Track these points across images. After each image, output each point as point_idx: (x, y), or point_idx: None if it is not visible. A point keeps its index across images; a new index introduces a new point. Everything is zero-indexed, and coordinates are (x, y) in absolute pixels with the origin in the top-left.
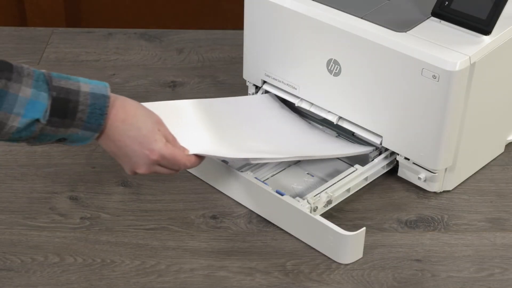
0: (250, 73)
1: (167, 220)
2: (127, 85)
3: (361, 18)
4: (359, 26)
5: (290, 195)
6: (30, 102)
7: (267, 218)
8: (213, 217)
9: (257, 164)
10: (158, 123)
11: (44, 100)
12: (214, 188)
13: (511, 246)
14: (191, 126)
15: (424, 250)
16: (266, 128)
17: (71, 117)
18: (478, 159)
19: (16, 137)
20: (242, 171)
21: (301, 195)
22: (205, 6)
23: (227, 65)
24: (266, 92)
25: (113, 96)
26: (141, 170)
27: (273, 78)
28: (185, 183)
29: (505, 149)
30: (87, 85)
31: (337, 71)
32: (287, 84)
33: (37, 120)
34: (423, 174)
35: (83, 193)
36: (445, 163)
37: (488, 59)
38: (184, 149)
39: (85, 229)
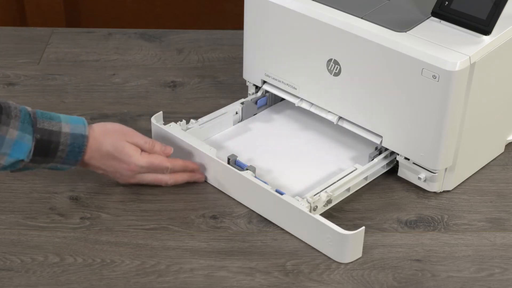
0: (250, 73)
1: (167, 220)
2: (127, 85)
3: (361, 18)
4: (359, 26)
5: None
6: (16, 143)
7: (267, 218)
8: (213, 217)
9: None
10: (127, 134)
11: (28, 142)
12: (214, 188)
13: (511, 246)
14: None
15: (424, 250)
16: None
17: (52, 156)
18: (478, 159)
19: (0, 170)
20: (242, 171)
21: (301, 195)
22: (205, 6)
23: (227, 65)
24: (266, 92)
25: (88, 127)
26: (131, 180)
27: (273, 78)
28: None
29: (505, 149)
30: (68, 125)
31: (337, 71)
32: (287, 84)
33: (21, 160)
34: (423, 174)
35: (83, 193)
36: (445, 163)
37: (488, 59)
38: (165, 148)
39: (85, 229)
